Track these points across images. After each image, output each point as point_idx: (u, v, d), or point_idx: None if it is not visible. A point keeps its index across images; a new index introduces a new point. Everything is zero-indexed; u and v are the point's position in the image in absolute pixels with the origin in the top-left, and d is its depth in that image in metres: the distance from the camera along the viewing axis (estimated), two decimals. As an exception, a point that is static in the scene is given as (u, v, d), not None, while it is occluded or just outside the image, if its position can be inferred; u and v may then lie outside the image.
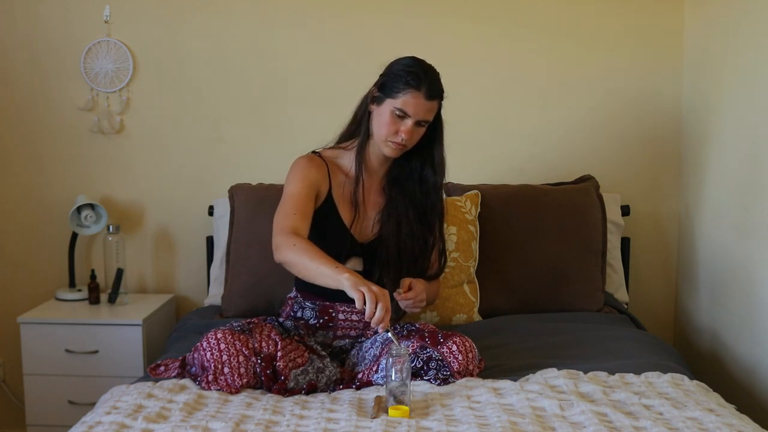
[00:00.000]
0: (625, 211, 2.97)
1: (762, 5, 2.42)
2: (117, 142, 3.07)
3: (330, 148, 2.29)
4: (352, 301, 2.17)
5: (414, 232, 2.21)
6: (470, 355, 2.00)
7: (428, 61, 2.15)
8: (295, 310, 2.23)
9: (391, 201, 2.22)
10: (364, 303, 1.85)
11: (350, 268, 1.99)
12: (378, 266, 2.18)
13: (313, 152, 2.27)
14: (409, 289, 2.11)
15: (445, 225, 2.37)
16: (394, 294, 2.09)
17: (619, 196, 2.98)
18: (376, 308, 1.85)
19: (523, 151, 3.05)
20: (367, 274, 2.14)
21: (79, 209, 2.95)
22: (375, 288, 1.88)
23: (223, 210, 2.89)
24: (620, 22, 2.99)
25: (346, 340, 2.20)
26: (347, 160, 2.24)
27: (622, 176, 3.04)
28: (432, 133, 2.18)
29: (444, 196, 2.34)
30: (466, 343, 2.01)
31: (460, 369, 1.97)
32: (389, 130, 2.10)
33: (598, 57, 3.01)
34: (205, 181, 3.07)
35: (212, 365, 1.92)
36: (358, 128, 2.21)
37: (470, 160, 3.00)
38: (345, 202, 2.21)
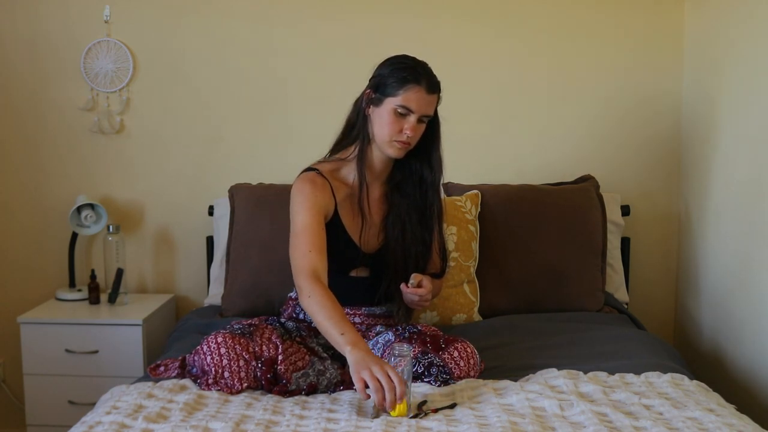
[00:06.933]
0: (625, 211, 2.97)
1: (762, 5, 2.42)
2: (117, 142, 3.07)
3: (327, 161, 2.21)
4: (355, 304, 2.18)
5: (416, 236, 2.19)
6: (471, 361, 2.00)
7: (429, 61, 2.13)
8: (297, 311, 2.22)
9: (394, 207, 2.19)
10: (365, 386, 1.75)
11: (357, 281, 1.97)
12: (386, 274, 2.16)
13: (311, 169, 2.17)
14: (419, 286, 2.08)
15: (444, 225, 2.34)
16: (402, 286, 2.07)
17: (619, 196, 2.98)
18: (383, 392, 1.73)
19: (523, 151, 3.05)
20: (373, 282, 2.15)
21: (79, 209, 2.95)
22: (379, 372, 1.74)
23: (223, 210, 2.89)
24: (620, 22, 2.99)
25: (348, 343, 2.19)
26: (348, 171, 2.19)
27: (622, 176, 3.04)
28: (429, 131, 2.14)
29: (443, 195, 2.31)
30: (468, 349, 2.01)
31: (461, 374, 1.98)
32: (393, 129, 2.06)
33: (598, 57, 3.01)
34: (205, 181, 3.07)
35: (212, 369, 1.92)
36: (355, 135, 2.16)
37: (470, 160, 3.00)
38: (351, 214, 2.17)
